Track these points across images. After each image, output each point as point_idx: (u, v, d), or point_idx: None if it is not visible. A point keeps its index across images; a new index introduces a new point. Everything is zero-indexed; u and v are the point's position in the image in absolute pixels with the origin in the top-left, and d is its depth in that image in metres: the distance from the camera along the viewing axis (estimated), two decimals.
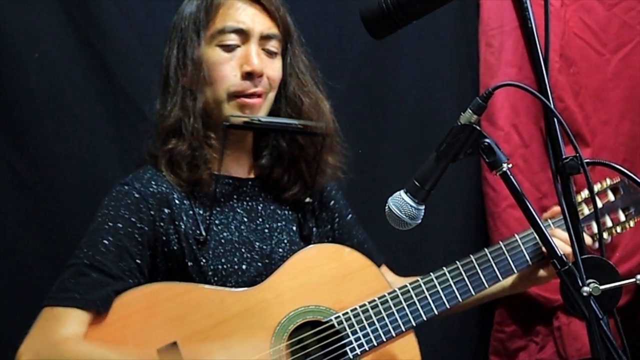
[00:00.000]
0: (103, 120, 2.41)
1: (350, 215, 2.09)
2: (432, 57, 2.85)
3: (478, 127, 1.43)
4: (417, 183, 1.50)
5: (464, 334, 2.89)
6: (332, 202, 2.07)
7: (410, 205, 1.49)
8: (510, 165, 1.41)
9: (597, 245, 1.93)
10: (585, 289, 1.30)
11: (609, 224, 1.99)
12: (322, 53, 2.67)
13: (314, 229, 1.99)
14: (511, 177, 1.41)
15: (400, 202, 1.50)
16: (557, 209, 1.96)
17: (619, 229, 2.00)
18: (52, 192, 2.35)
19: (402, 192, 1.51)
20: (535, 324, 2.93)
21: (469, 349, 2.92)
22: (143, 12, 2.45)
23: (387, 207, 1.52)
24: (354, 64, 2.74)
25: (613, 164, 1.60)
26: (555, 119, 1.40)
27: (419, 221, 1.51)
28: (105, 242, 1.74)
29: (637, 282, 1.32)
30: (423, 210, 1.51)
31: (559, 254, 1.34)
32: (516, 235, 1.93)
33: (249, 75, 1.83)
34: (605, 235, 1.98)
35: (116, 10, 2.40)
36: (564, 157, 1.39)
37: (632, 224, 2.01)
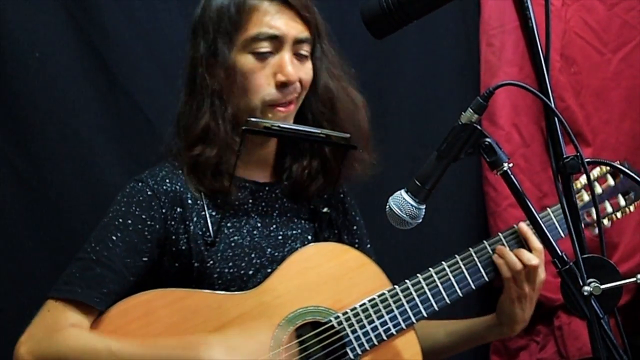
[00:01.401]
0: (104, 120, 2.41)
1: (364, 228, 2.07)
2: (433, 57, 2.85)
3: (479, 127, 1.43)
4: (418, 182, 1.50)
5: None
6: (353, 214, 2.05)
7: (411, 205, 1.50)
8: (511, 165, 1.41)
9: (596, 231, 1.91)
10: (586, 288, 1.30)
11: (609, 209, 1.95)
12: None
13: (332, 240, 1.96)
14: (512, 176, 1.41)
15: (401, 202, 1.50)
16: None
17: (619, 214, 1.96)
18: (53, 191, 2.35)
19: (403, 192, 1.51)
20: (536, 323, 2.92)
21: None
22: (144, 11, 2.45)
23: (387, 206, 1.52)
24: (354, 63, 2.71)
25: (614, 164, 1.61)
26: (556, 119, 1.40)
27: (420, 221, 1.52)
28: (114, 237, 1.73)
29: (638, 281, 1.32)
30: (424, 210, 1.51)
31: (560, 253, 1.35)
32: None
33: (283, 85, 1.80)
34: (605, 221, 1.95)
35: (117, 9, 2.40)
36: (564, 156, 1.39)
37: (632, 208, 1.98)
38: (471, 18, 2.89)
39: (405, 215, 1.50)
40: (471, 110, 1.43)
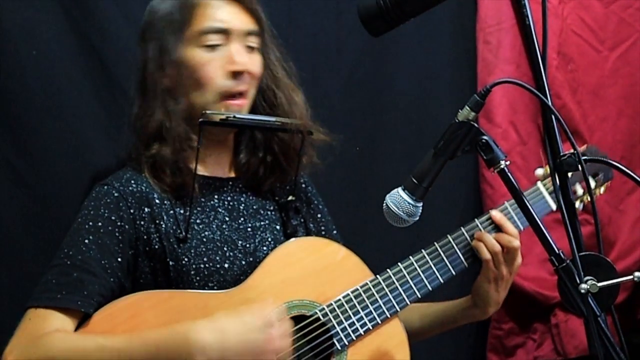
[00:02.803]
0: (101, 118, 2.40)
1: (327, 215, 2.10)
2: (429, 55, 2.85)
3: (476, 124, 1.43)
4: (414, 180, 1.50)
5: (462, 331, 2.89)
6: (316, 202, 2.07)
7: (408, 203, 1.50)
8: (507, 163, 1.42)
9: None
10: (583, 286, 1.31)
11: (580, 192, 1.99)
12: (320, 50, 2.68)
13: (299, 227, 1.99)
14: (509, 174, 1.41)
15: (398, 199, 1.50)
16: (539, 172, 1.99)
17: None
18: (50, 190, 2.34)
19: (399, 190, 1.51)
20: (533, 321, 2.93)
21: (466, 346, 2.92)
22: (141, 9, 2.43)
23: (384, 204, 1.52)
24: (351, 61, 2.74)
25: (611, 161, 1.60)
26: (553, 116, 1.40)
27: (417, 218, 1.52)
28: (86, 241, 1.73)
29: (635, 279, 1.32)
30: (421, 208, 1.51)
31: (557, 251, 1.35)
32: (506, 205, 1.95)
33: (234, 75, 1.82)
34: (577, 203, 1.99)
35: (114, 7, 2.40)
36: (561, 154, 1.39)
37: (602, 190, 2.05)
38: (468, 16, 2.89)
39: (402, 213, 1.50)
40: (468, 108, 1.43)
